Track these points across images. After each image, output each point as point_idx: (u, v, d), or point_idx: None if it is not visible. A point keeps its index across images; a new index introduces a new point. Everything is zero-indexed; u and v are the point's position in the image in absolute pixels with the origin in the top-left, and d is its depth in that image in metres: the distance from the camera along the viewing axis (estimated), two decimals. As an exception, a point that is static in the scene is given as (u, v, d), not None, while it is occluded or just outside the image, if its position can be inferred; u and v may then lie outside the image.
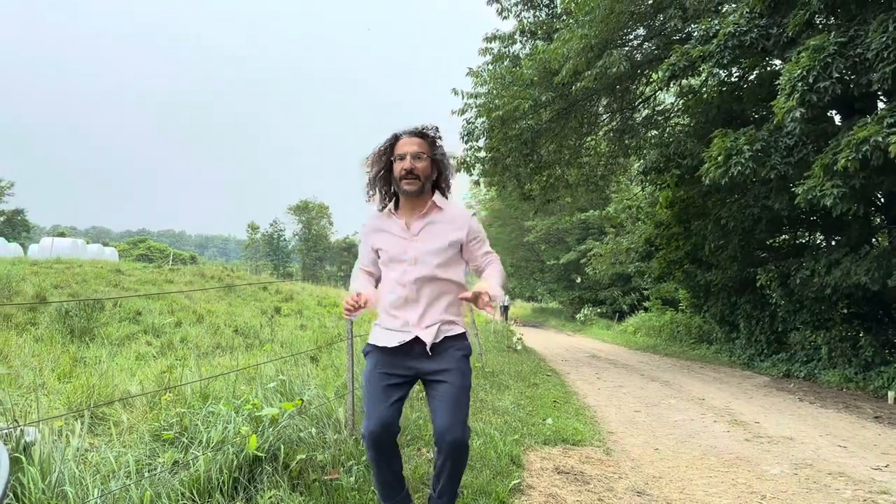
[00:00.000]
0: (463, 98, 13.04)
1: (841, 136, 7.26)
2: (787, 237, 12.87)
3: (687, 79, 11.97)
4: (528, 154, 13.50)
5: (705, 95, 11.85)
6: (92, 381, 5.49)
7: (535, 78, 11.86)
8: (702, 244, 13.46)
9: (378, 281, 2.67)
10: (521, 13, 13.75)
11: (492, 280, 2.48)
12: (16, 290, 13.62)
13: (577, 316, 32.21)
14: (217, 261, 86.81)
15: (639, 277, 23.04)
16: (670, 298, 21.40)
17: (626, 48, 12.02)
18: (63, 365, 7.53)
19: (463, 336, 2.56)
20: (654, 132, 14.56)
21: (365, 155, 2.68)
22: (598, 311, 30.60)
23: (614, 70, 10.44)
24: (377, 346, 2.55)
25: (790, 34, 8.10)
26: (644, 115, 14.85)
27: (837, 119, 9.50)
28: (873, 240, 10.26)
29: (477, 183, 18.36)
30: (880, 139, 6.47)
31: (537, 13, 13.72)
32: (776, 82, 8.05)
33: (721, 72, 10.92)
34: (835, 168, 7.05)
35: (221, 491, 2.82)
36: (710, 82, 11.72)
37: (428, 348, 2.47)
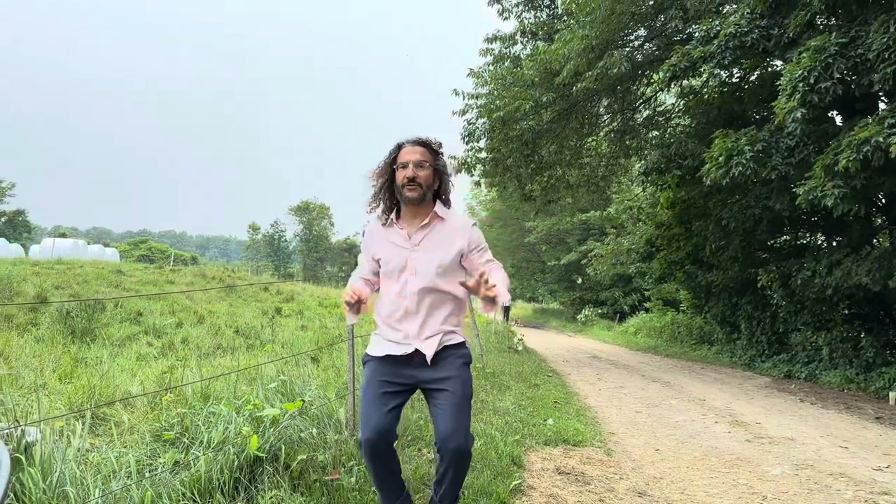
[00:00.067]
0: (464, 99, 13.04)
1: (842, 136, 7.26)
2: (788, 238, 12.87)
3: (688, 79, 11.97)
4: (528, 155, 13.50)
5: (706, 96, 11.87)
6: (93, 381, 5.49)
7: (536, 79, 11.86)
8: (703, 245, 13.46)
9: (375, 285, 2.68)
10: (521, 14, 13.75)
11: (498, 282, 2.47)
12: (17, 291, 13.63)
13: (578, 317, 32.20)
14: (218, 261, 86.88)
15: (640, 278, 23.07)
16: (671, 299, 21.40)
17: (627, 49, 12.02)
18: (64, 365, 7.54)
19: (463, 345, 2.57)
20: (655, 133, 14.56)
21: (370, 167, 2.68)
22: (599, 311, 30.59)
23: (615, 71, 10.44)
24: (376, 357, 2.55)
25: (791, 35, 8.10)
26: (645, 115, 14.85)
27: (838, 120, 9.50)
28: (874, 240, 10.26)
29: (478, 184, 18.37)
30: (881, 140, 6.47)
31: (538, 14, 13.72)
32: (777, 83, 8.05)
33: (722, 72, 10.95)
34: (836, 168, 7.04)
35: (222, 491, 2.82)
36: (711, 83, 11.74)
37: (428, 360, 2.48)
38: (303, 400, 3.90)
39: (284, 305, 18.67)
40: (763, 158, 8.19)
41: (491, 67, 13.45)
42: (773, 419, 6.39)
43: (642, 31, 12.28)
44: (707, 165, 8.75)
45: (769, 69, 11.26)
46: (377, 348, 2.57)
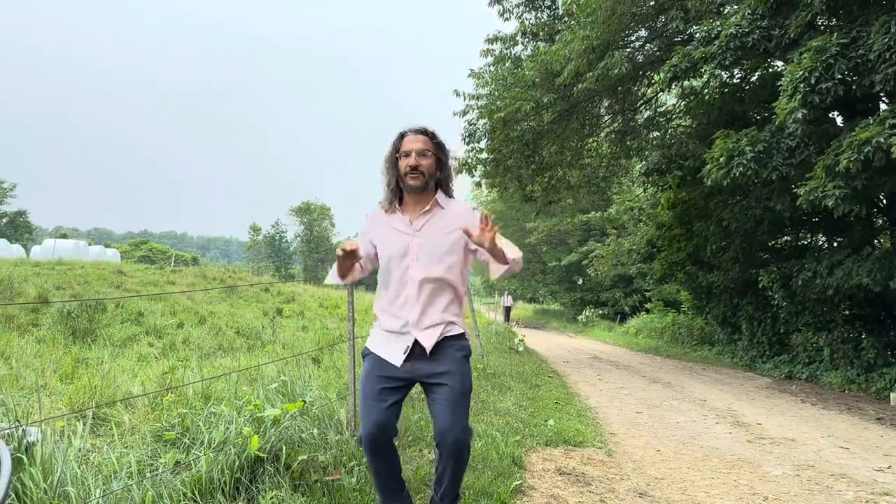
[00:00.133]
0: (464, 99, 13.04)
1: (843, 137, 7.25)
2: (788, 238, 12.87)
3: (689, 80, 11.96)
4: (529, 155, 13.50)
5: (707, 97, 11.85)
6: (94, 381, 5.49)
7: (537, 79, 11.86)
8: (703, 245, 13.45)
9: (364, 271, 2.67)
10: (522, 14, 13.74)
11: (504, 244, 2.46)
12: (18, 292, 13.63)
13: (579, 317, 32.17)
14: (219, 262, 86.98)
15: (640, 279, 23.04)
16: (672, 300, 21.38)
17: (628, 49, 12.02)
18: (65, 366, 7.55)
19: (462, 336, 2.56)
20: (655, 133, 14.55)
21: (372, 167, 2.73)
22: (600, 312, 30.56)
23: (616, 71, 10.45)
24: (376, 352, 2.55)
25: (792, 35, 8.09)
26: (646, 116, 14.84)
27: (839, 120, 9.49)
28: (875, 241, 10.24)
29: (478, 184, 18.40)
30: (882, 140, 6.47)
31: (539, 14, 13.72)
32: (778, 83, 8.05)
33: (723, 73, 10.93)
34: (837, 169, 7.04)
35: (223, 491, 2.82)
36: (711, 84, 11.72)
37: (427, 352, 2.47)
38: (303, 400, 3.90)
39: (285, 306, 18.67)
40: (764, 159, 8.18)
41: (492, 68, 13.45)
42: (774, 420, 6.39)
43: (643, 32, 12.28)
44: (708, 166, 8.75)
45: (770, 70, 11.26)
46: (377, 344, 2.57)
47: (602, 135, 15.24)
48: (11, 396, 4.15)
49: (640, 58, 12.34)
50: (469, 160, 13.81)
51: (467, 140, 13.40)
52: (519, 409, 6.14)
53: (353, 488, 3.08)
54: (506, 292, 35.42)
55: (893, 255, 8.23)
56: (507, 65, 13.41)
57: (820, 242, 12.40)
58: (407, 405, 3.41)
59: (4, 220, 55.73)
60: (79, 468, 2.76)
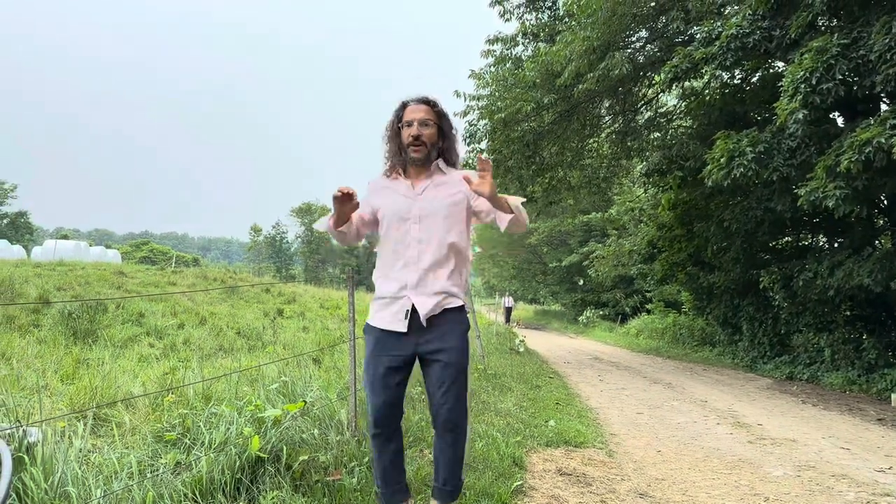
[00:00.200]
0: (465, 100, 13.04)
1: (844, 137, 7.25)
2: (789, 239, 12.86)
3: (689, 81, 11.96)
4: (530, 156, 13.50)
5: (708, 97, 11.86)
6: (95, 382, 5.50)
7: (538, 80, 11.86)
8: (704, 246, 13.45)
9: (358, 235, 2.64)
10: (523, 15, 13.74)
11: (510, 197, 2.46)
12: (19, 293, 13.64)
13: (580, 318, 32.17)
14: (220, 263, 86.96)
15: (641, 280, 23.03)
16: (673, 301, 21.37)
17: (629, 50, 12.02)
18: (66, 366, 7.55)
19: (462, 309, 2.55)
20: (656, 134, 14.55)
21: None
22: (601, 313, 30.55)
23: (617, 72, 10.45)
24: (376, 327, 2.54)
25: (793, 36, 8.09)
26: (646, 117, 14.84)
27: (840, 121, 9.49)
28: (876, 242, 10.24)
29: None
30: (883, 141, 6.47)
31: (539, 15, 13.72)
32: (779, 84, 8.05)
33: (723, 74, 10.94)
34: (837, 170, 7.04)
35: (224, 492, 2.82)
36: (712, 84, 11.73)
37: (423, 319, 2.45)
38: (304, 401, 3.90)
39: (286, 307, 18.68)
40: (765, 160, 8.18)
41: (492, 69, 13.45)
42: (774, 421, 6.38)
43: (644, 33, 12.29)
44: (708, 167, 8.75)
45: (771, 70, 11.26)
46: (377, 315, 2.56)
47: (603, 135, 15.24)
48: (12, 397, 4.15)
49: (641, 58, 12.34)
50: (470, 160, 13.81)
51: (468, 141, 13.39)
52: (520, 409, 6.14)
53: (353, 489, 3.08)
54: (507, 293, 35.43)
55: (894, 255, 8.22)
56: (507, 65, 13.42)
57: (821, 243, 12.39)
58: (407, 406, 3.40)
59: (5, 221, 55.78)
60: (79, 468, 2.76)
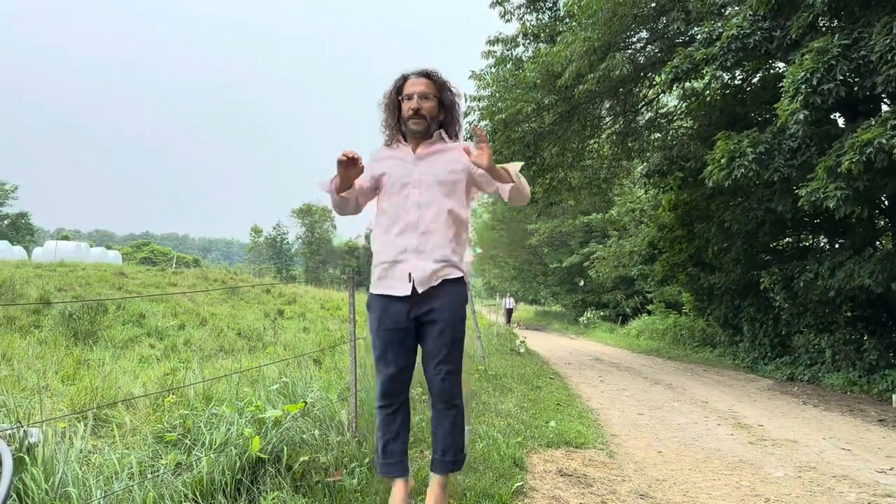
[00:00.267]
0: (466, 101, 13.04)
1: (844, 138, 7.25)
2: (790, 240, 12.86)
3: (690, 81, 11.97)
4: (530, 157, 13.50)
5: (708, 98, 11.86)
6: (95, 383, 5.50)
7: (538, 81, 11.87)
8: (705, 247, 13.44)
9: (358, 205, 2.63)
10: (523, 16, 13.75)
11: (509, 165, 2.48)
12: (20, 293, 13.65)
13: (580, 319, 32.15)
14: (221, 264, 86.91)
15: (642, 280, 23.01)
16: (673, 301, 21.36)
17: (629, 51, 12.03)
18: (66, 367, 7.55)
19: (461, 281, 2.54)
20: (657, 135, 14.55)
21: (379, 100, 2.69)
22: (601, 314, 30.55)
23: (617, 73, 10.46)
24: (380, 296, 2.54)
25: (793, 36, 8.09)
26: (647, 117, 14.85)
27: (841, 121, 9.49)
28: (877, 242, 10.24)
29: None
30: (884, 141, 6.47)
31: (540, 16, 13.73)
32: (779, 85, 8.05)
33: (724, 74, 10.92)
34: (838, 170, 7.04)
35: (224, 492, 2.82)
36: (713, 85, 11.73)
37: (418, 286, 2.45)
38: (305, 401, 3.90)
39: (287, 308, 18.69)
40: (765, 160, 8.18)
41: (493, 70, 13.46)
42: (775, 421, 6.38)
43: (644, 34, 12.29)
44: (709, 167, 8.75)
45: (771, 71, 11.26)
46: (378, 282, 2.56)
47: (603, 136, 15.24)
48: (13, 397, 4.15)
49: (642, 59, 12.34)
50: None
51: (469, 141, 13.40)
52: (520, 410, 6.13)
53: (353, 489, 3.08)
54: (507, 294, 35.43)
55: (895, 256, 8.21)
56: (508, 66, 13.43)
57: (821, 244, 12.39)
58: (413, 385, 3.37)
59: (6, 222, 55.83)
60: (80, 469, 2.76)
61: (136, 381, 6.19)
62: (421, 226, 2.48)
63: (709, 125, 11.86)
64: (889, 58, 6.70)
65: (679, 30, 11.07)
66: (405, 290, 2.46)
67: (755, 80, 11.86)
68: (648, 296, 24.58)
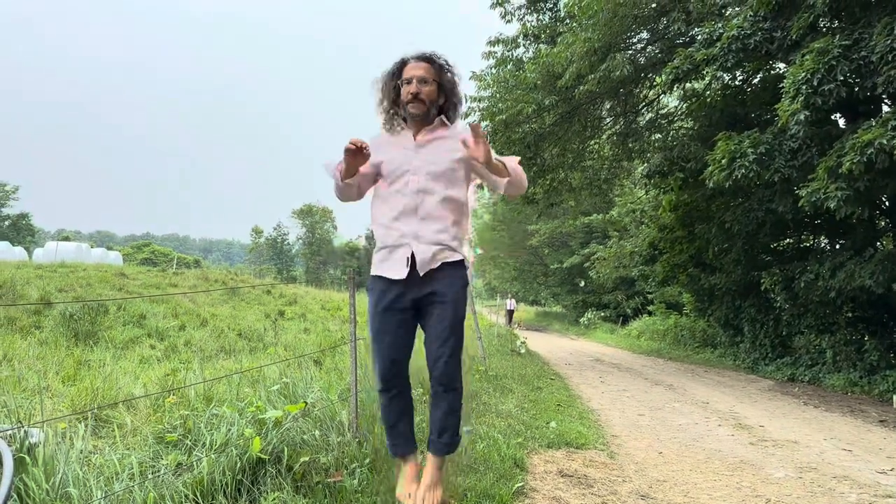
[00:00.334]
0: (466, 102, 13.06)
1: (845, 139, 7.25)
2: (791, 241, 12.86)
3: (690, 82, 11.97)
4: (531, 158, 13.50)
5: (709, 99, 11.85)
6: (96, 383, 5.50)
7: (539, 81, 11.88)
8: (706, 248, 13.44)
9: (360, 192, 2.65)
10: (524, 17, 13.76)
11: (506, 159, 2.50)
12: (21, 294, 13.67)
13: (581, 320, 32.15)
14: (221, 265, 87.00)
15: (643, 281, 23.01)
16: (674, 302, 21.36)
17: (630, 52, 12.04)
18: (67, 368, 7.55)
19: (461, 264, 2.55)
20: (657, 136, 14.56)
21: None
22: (602, 314, 30.54)
23: (618, 73, 10.46)
24: (380, 278, 2.54)
25: (794, 37, 8.09)
26: (648, 118, 14.85)
27: (841, 122, 9.49)
28: (878, 243, 10.24)
29: (480, 186, 18.35)
30: (885, 142, 6.47)
31: (541, 17, 13.74)
32: (780, 85, 8.05)
33: (725, 75, 10.93)
34: (839, 171, 7.04)
35: (225, 493, 2.82)
36: (713, 86, 11.73)
37: (420, 268, 2.45)
38: (305, 402, 3.90)
39: (287, 308, 18.69)
40: (766, 161, 8.18)
41: (493, 70, 13.48)
42: (776, 422, 6.37)
43: (645, 34, 12.30)
44: (710, 168, 8.75)
45: (772, 72, 11.27)
46: (378, 265, 2.57)
47: (604, 137, 15.25)
48: (14, 398, 4.16)
49: (642, 60, 12.35)
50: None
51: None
52: (521, 411, 6.13)
53: (354, 490, 3.08)
54: (509, 295, 35.41)
55: (896, 257, 8.22)
56: (508, 67, 13.44)
57: (822, 244, 12.39)
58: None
59: (7, 223, 55.89)
60: (80, 469, 2.76)
61: (136, 382, 6.19)
62: (420, 212, 2.49)
63: (709, 126, 11.87)
64: (889, 58, 6.70)
65: (679, 30, 11.08)
66: (404, 273, 2.47)
67: (756, 80, 11.86)
68: (649, 296, 24.58)
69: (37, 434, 2.86)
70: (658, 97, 14.31)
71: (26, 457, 2.63)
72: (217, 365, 8.26)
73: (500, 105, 12.45)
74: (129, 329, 12.04)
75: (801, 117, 7.37)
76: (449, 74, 2.62)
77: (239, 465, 2.95)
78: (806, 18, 7.85)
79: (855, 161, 6.71)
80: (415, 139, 2.57)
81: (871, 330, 9.79)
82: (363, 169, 2.53)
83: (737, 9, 9.78)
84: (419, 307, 2.52)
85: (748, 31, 8.37)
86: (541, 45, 13.04)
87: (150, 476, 2.87)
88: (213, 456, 2.97)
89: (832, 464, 4.59)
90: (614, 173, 16.58)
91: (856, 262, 8.76)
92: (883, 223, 10.39)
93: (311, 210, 72.93)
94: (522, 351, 13.29)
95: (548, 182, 14.95)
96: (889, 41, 6.68)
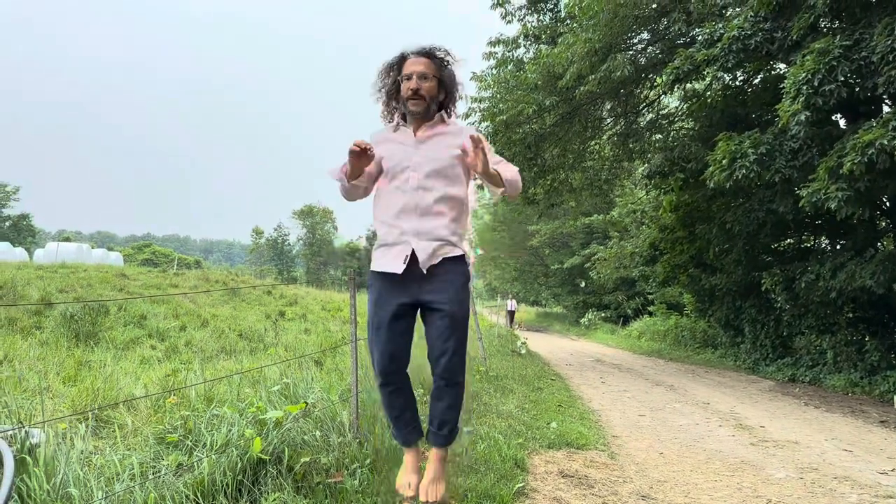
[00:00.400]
0: (467, 102, 13.07)
1: (846, 139, 7.25)
2: (791, 241, 12.85)
3: (691, 83, 11.97)
4: (531, 158, 13.51)
5: (709, 99, 11.86)
6: (96, 384, 5.51)
7: (539, 82, 11.88)
8: (706, 248, 13.44)
9: (366, 191, 2.65)
10: (525, 17, 13.77)
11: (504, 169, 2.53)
12: (21, 295, 13.67)
13: (582, 320, 32.14)
14: (222, 265, 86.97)
15: (643, 282, 23.01)
16: (675, 303, 21.35)
17: (631, 52, 12.04)
18: (68, 368, 7.56)
19: (462, 259, 2.55)
20: (658, 136, 14.56)
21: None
22: (603, 315, 30.53)
23: (618, 74, 10.46)
24: (380, 274, 2.55)
25: (795, 38, 8.10)
26: (648, 119, 14.85)
27: (842, 122, 9.50)
28: (878, 243, 10.23)
29: (481, 187, 18.35)
30: (886, 142, 6.47)
31: (541, 17, 13.74)
32: (781, 86, 8.06)
33: (725, 75, 10.94)
34: (840, 171, 7.04)
35: (225, 493, 2.82)
36: (714, 86, 11.73)
37: (422, 265, 2.45)
38: (306, 402, 3.90)
39: (288, 309, 18.70)
40: (766, 161, 8.18)
41: (494, 71, 13.48)
42: (777, 423, 6.37)
43: (645, 35, 12.30)
44: (710, 168, 8.75)
45: (773, 72, 11.27)
46: (378, 260, 2.57)
47: (604, 137, 15.25)
48: (15, 398, 4.16)
49: (643, 60, 12.35)
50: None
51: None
52: (521, 411, 6.13)
53: (355, 490, 3.08)
54: (509, 295, 35.41)
55: (897, 257, 8.21)
56: (509, 67, 13.44)
57: (823, 245, 12.39)
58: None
59: (8, 224, 55.91)
60: (81, 470, 2.77)
61: (137, 383, 6.20)
62: (421, 208, 2.49)
63: (710, 126, 11.87)
64: (890, 59, 6.70)
65: (680, 31, 11.08)
66: (401, 268, 2.47)
67: (756, 81, 11.87)
68: (650, 297, 24.57)
69: (38, 434, 2.86)
70: (659, 98, 14.31)
71: (27, 457, 2.64)
72: (218, 365, 8.26)
73: (500, 106, 12.46)
74: (129, 330, 12.04)
75: (802, 118, 7.38)
76: (449, 70, 2.61)
77: (240, 465, 2.95)
78: (806, 19, 7.86)
79: (856, 161, 6.71)
80: (415, 135, 2.57)
81: (871, 330, 9.79)
82: (368, 169, 2.54)
83: (737, 9, 9.79)
84: (420, 303, 2.52)
85: (749, 32, 8.37)
86: (541, 46, 13.04)
87: (150, 476, 2.87)
88: (213, 456, 2.97)
89: (833, 464, 4.59)
90: (615, 174, 16.58)
91: (856, 262, 8.76)
92: (883, 224, 10.39)
93: (311, 211, 72.93)
94: (523, 351, 13.29)
95: (548, 182, 14.96)
96: (889, 41, 6.68)
